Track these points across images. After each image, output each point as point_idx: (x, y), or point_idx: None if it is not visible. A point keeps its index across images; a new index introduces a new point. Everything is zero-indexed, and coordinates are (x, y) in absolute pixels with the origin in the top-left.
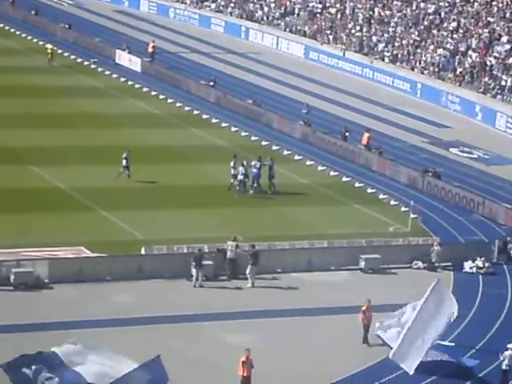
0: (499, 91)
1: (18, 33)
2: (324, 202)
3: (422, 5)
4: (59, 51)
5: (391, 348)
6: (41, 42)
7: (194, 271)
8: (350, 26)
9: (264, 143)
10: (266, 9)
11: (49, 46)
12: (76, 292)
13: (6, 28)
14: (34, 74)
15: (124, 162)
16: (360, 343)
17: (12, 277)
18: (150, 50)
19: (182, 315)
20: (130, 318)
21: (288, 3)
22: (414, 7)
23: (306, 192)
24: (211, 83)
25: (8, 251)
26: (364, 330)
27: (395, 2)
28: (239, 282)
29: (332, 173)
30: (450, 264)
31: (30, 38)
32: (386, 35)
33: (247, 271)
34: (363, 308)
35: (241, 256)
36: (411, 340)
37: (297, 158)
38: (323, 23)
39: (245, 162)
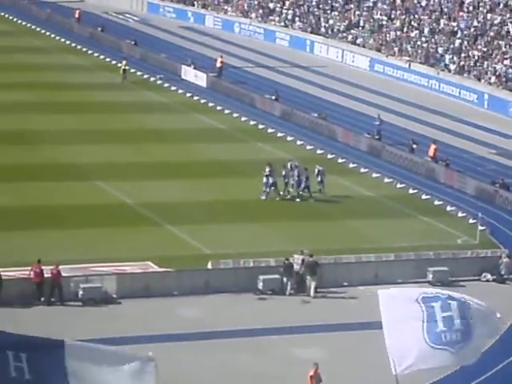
0: None
1: (84, 49)
2: (390, 215)
3: (489, 16)
4: (126, 67)
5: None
6: (107, 59)
7: (284, 280)
8: (415, 37)
9: (330, 156)
10: (330, 22)
11: (123, 62)
12: (143, 307)
13: (73, 45)
14: (100, 91)
15: (267, 178)
16: None
17: (80, 292)
18: (219, 65)
19: (249, 329)
20: (198, 333)
21: (353, 16)
22: (480, 18)
23: (372, 204)
24: (273, 97)
25: (76, 267)
26: None
27: (461, 13)
28: (307, 295)
29: (398, 185)
30: None
31: (96, 54)
32: (451, 46)
33: (307, 283)
34: None
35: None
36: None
37: (363, 170)
38: (388, 35)
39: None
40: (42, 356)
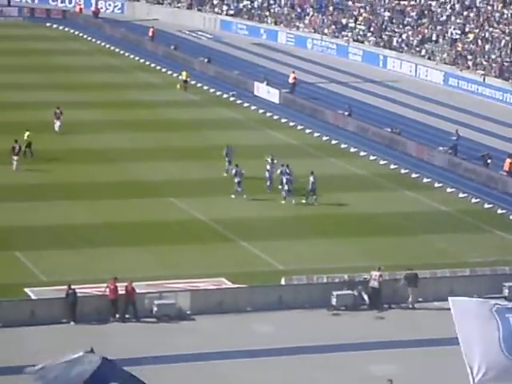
0: None
1: (158, 67)
2: (465, 229)
3: None
4: (198, 85)
5: None
6: (180, 77)
7: (409, 290)
8: (489, 51)
9: (403, 171)
10: (404, 36)
11: (183, 73)
12: (217, 323)
13: (147, 63)
14: (173, 108)
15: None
16: None
17: (155, 309)
18: (291, 81)
19: (323, 345)
20: (271, 349)
21: (426, 30)
22: None
23: (446, 219)
24: (346, 113)
25: (150, 283)
26: None
27: None
28: (381, 311)
29: (473, 200)
30: None
31: (169, 72)
32: None
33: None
34: None
35: (382, 286)
36: None
37: (437, 185)
38: (462, 49)
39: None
40: None
